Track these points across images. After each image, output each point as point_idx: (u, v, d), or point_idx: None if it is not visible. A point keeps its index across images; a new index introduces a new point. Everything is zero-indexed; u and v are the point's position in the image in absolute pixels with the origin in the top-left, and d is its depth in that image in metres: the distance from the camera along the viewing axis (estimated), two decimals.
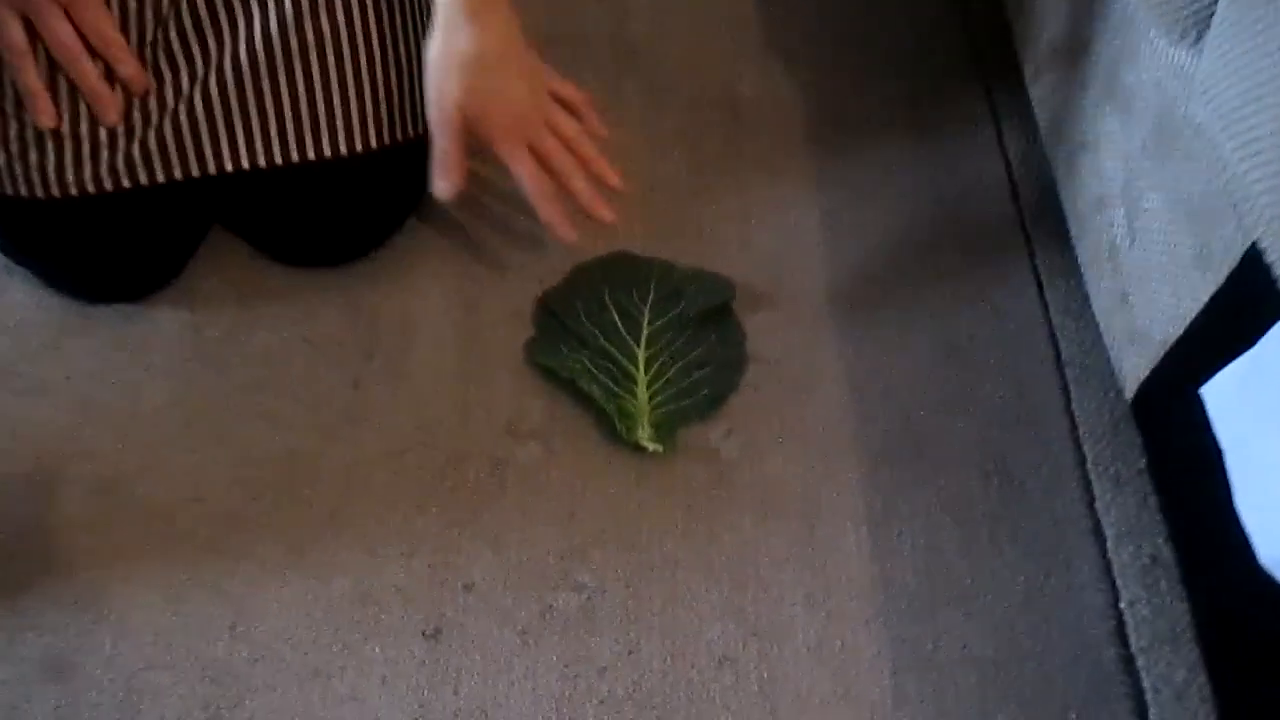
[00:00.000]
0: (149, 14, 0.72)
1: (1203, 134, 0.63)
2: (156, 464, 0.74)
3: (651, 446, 0.77)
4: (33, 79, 0.69)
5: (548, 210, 0.76)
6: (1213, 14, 0.62)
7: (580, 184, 0.77)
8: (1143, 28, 0.73)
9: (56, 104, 0.70)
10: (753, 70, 1.02)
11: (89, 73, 0.69)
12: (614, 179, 0.78)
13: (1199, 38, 0.64)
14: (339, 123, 0.77)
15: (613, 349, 0.82)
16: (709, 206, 0.92)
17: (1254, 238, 0.57)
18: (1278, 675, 0.61)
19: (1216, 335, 0.68)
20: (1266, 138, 0.55)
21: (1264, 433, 0.59)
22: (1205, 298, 0.68)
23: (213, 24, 0.73)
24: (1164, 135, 0.72)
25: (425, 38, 0.74)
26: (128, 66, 0.71)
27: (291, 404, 0.78)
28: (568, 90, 0.80)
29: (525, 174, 0.75)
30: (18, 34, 0.68)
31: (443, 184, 0.75)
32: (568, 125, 0.77)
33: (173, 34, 0.73)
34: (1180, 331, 0.71)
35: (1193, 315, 0.69)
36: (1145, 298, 0.75)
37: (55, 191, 0.73)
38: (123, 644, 0.67)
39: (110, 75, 0.71)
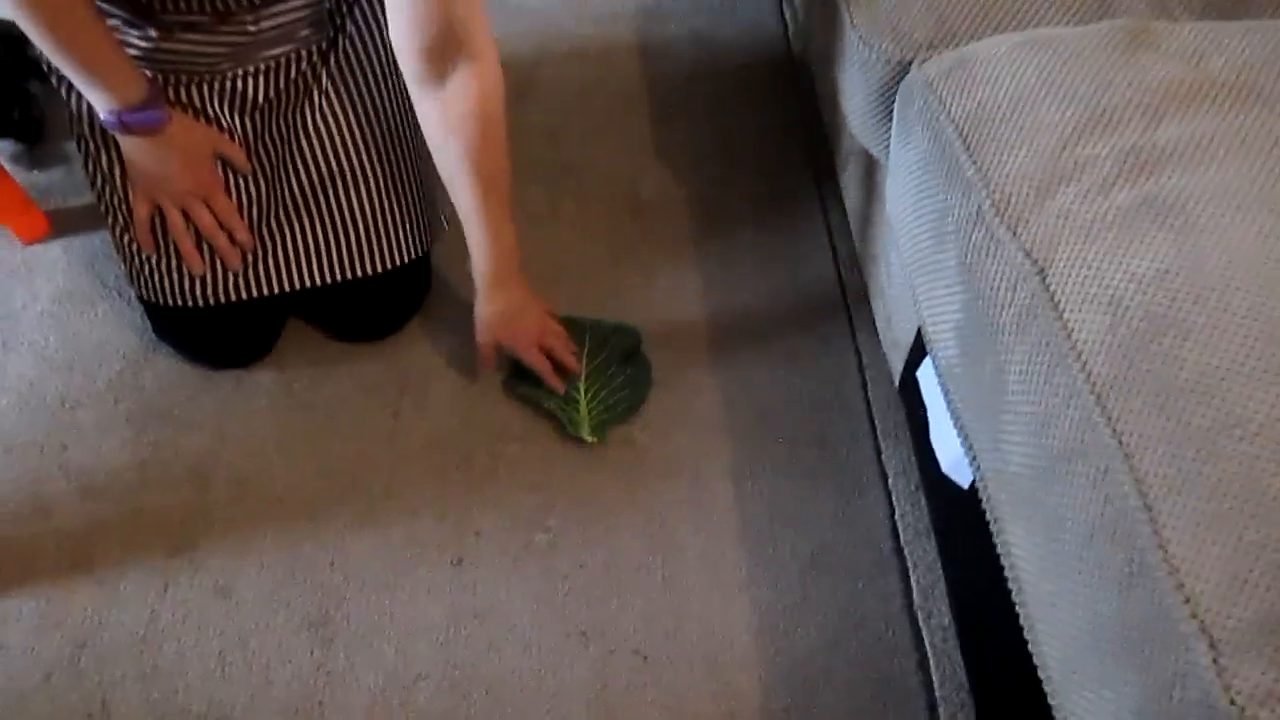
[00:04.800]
0: (250, 196, 1.14)
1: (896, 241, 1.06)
2: (269, 468, 1.15)
3: (591, 439, 1.18)
4: (188, 245, 1.10)
5: (552, 379, 1.17)
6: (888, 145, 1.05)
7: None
8: (866, 159, 1.17)
9: (199, 251, 1.12)
10: (652, 179, 1.46)
11: (222, 240, 1.11)
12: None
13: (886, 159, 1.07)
14: (374, 248, 1.18)
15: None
16: (624, 280, 1.35)
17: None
18: (960, 537, 1.02)
19: (921, 347, 1.10)
20: (924, 251, 0.98)
21: (936, 398, 1.01)
22: (917, 327, 1.10)
23: (297, 205, 1.14)
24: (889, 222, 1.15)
25: (425, 187, 1.17)
26: (243, 234, 1.12)
27: (353, 427, 1.19)
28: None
29: (536, 363, 1.16)
30: (178, 218, 1.09)
31: (482, 369, 1.20)
32: (552, 341, 1.19)
33: (271, 209, 1.14)
34: (911, 341, 1.13)
35: (914, 334, 1.12)
36: (899, 321, 1.18)
37: (193, 301, 1.14)
38: (265, 573, 1.07)
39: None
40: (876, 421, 1.22)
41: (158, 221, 1.12)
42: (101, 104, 1.01)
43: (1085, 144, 0.82)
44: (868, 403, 1.24)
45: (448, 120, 0.97)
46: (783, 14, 1.73)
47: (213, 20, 1.04)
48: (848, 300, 1.34)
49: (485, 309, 1.14)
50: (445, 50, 0.93)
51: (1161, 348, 0.68)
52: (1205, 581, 0.60)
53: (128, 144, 1.06)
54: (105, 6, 1.03)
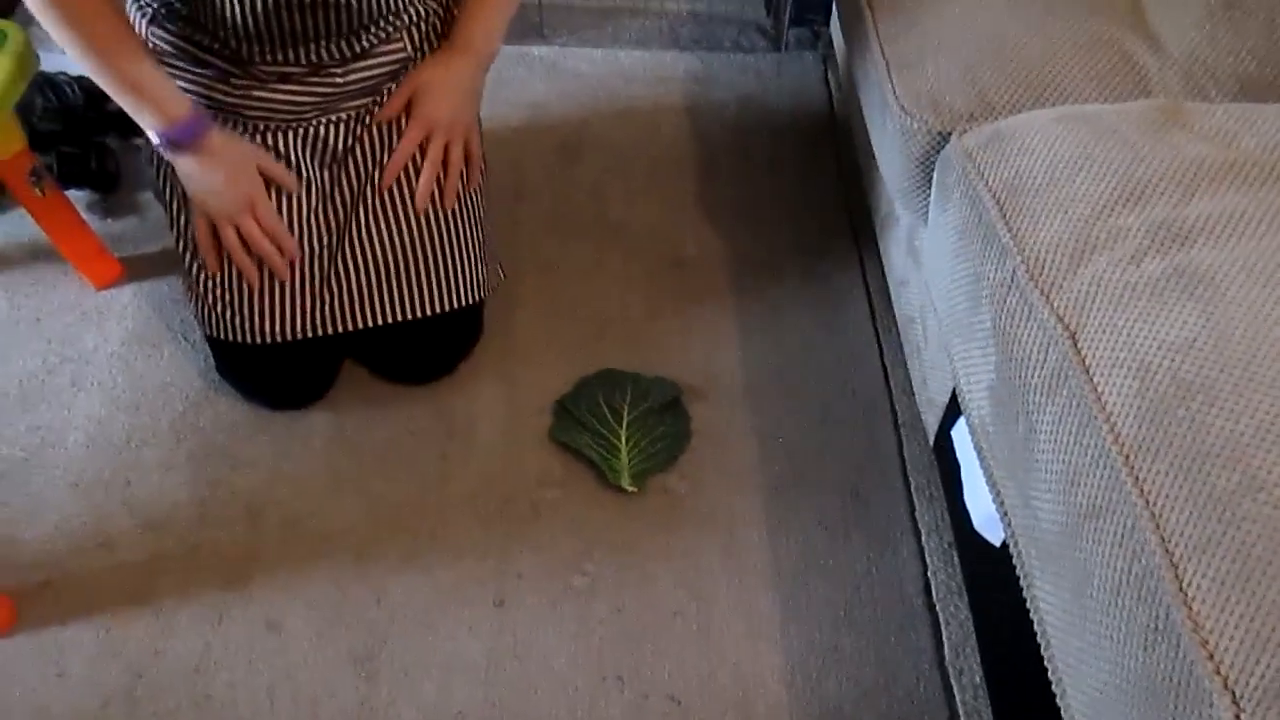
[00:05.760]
0: (322, 243, 1.19)
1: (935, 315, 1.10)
2: (320, 507, 1.19)
3: (630, 488, 1.22)
4: (242, 257, 1.14)
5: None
6: (927, 208, 1.09)
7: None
8: (905, 222, 1.21)
9: (271, 301, 1.17)
10: (694, 237, 1.51)
11: (268, 248, 1.14)
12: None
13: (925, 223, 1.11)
14: (435, 291, 1.22)
15: (605, 431, 1.26)
16: (666, 334, 1.39)
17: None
18: (992, 595, 1.04)
19: (955, 406, 1.12)
20: (961, 310, 1.01)
21: (970, 456, 1.04)
22: (952, 387, 1.13)
23: (365, 249, 1.19)
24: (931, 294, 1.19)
25: (484, 237, 1.22)
26: (288, 243, 1.16)
27: (402, 469, 1.23)
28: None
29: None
30: (231, 235, 1.14)
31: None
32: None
33: (340, 254, 1.20)
34: (946, 400, 1.16)
35: (949, 394, 1.14)
36: (934, 381, 1.21)
37: (259, 339, 1.19)
38: (314, 609, 1.11)
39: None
40: (911, 478, 1.25)
41: (226, 266, 1.18)
42: (149, 124, 1.08)
43: (1118, 215, 0.86)
44: (902, 460, 1.27)
45: None
46: (827, 80, 1.79)
47: (305, 71, 1.11)
48: (884, 359, 1.37)
49: (433, 64, 1.19)
50: None
51: (1188, 413, 0.71)
52: (1229, 640, 0.62)
53: (179, 165, 1.13)
54: (204, 56, 1.10)
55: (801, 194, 1.58)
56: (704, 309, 1.42)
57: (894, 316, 1.37)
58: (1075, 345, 0.78)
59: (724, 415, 1.30)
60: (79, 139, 1.47)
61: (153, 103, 1.06)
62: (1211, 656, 0.62)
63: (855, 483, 1.25)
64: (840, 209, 1.56)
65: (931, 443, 1.22)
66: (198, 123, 1.08)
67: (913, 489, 1.24)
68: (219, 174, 1.12)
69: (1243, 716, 0.59)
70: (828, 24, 1.85)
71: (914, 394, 1.29)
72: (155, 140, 1.09)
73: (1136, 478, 0.70)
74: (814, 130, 1.69)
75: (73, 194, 1.41)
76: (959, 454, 1.10)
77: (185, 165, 1.12)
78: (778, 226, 1.53)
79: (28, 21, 1.10)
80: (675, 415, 1.29)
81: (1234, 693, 0.60)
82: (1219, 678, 0.61)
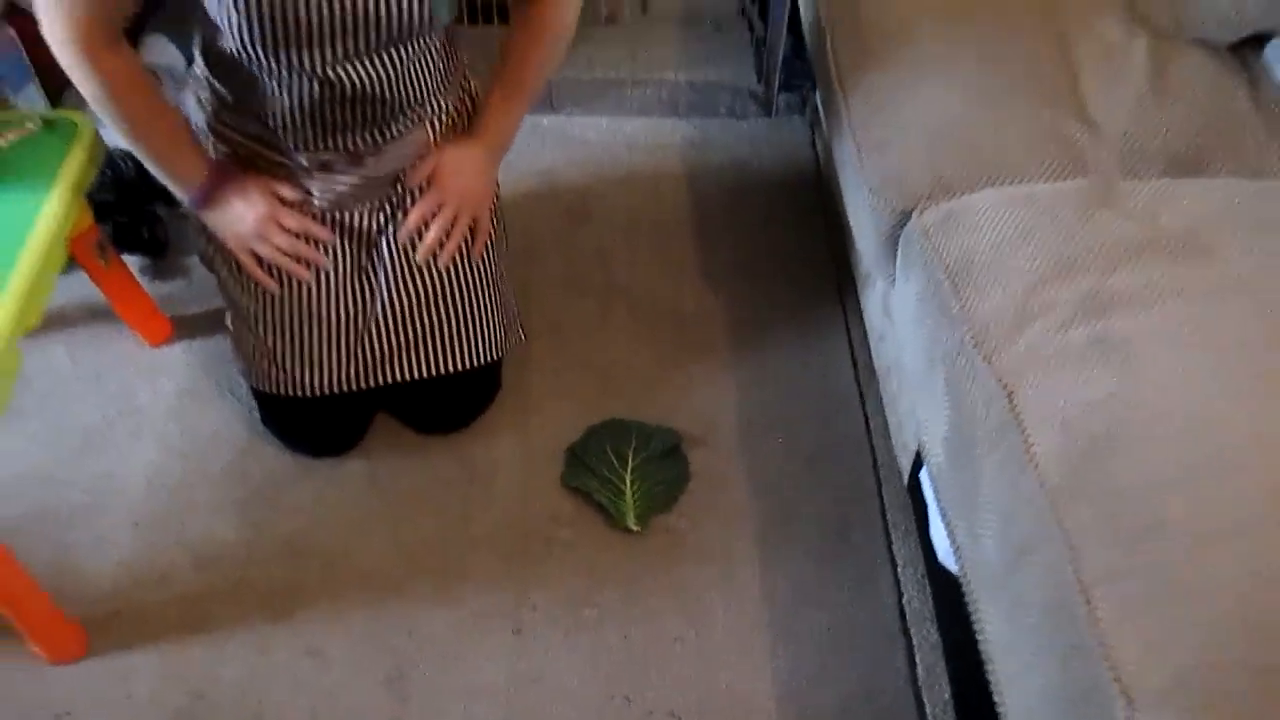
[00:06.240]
0: (357, 306, 1.33)
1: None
2: (355, 546, 1.33)
3: (635, 528, 1.35)
4: (291, 264, 1.26)
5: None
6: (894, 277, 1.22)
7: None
8: (875, 280, 1.34)
9: (309, 358, 1.31)
10: (693, 293, 1.64)
11: (305, 250, 1.27)
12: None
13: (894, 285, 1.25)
14: (458, 352, 1.36)
15: (612, 476, 1.39)
16: (667, 385, 1.52)
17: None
18: (956, 622, 1.16)
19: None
20: (921, 380, 1.14)
21: (933, 497, 1.17)
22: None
23: (396, 313, 1.33)
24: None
25: (505, 292, 1.37)
26: (322, 233, 1.28)
27: (429, 512, 1.37)
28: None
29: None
30: (269, 251, 1.25)
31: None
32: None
33: (373, 318, 1.34)
34: (916, 446, 1.28)
35: (916, 444, 1.27)
36: (906, 428, 1.33)
37: (300, 392, 1.32)
38: (350, 638, 1.24)
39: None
40: (889, 516, 1.37)
41: (260, 312, 1.30)
42: (179, 190, 1.23)
43: (1050, 289, 0.99)
44: (881, 499, 1.40)
45: (530, 34, 1.28)
46: (814, 142, 1.93)
47: (343, 158, 1.25)
48: (865, 407, 1.50)
49: (454, 147, 1.32)
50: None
51: (1101, 462, 0.84)
52: (1127, 653, 0.75)
53: (210, 219, 1.27)
54: (257, 148, 1.25)
55: (792, 250, 1.72)
56: (702, 360, 1.55)
57: (873, 367, 1.51)
58: (1012, 403, 0.92)
59: (720, 459, 1.43)
60: (131, 208, 1.62)
61: (178, 173, 1.22)
62: (1113, 668, 0.75)
63: (839, 520, 1.37)
64: (828, 264, 1.70)
65: (906, 483, 1.35)
66: (216, 180, 1.23)
67: (890, 525, 1.36)
68: (237, 207, 1.25)
69: (1135, 716, 0.72)
70: (815, 90, 1.99)
71: (891, 439, 1.42)
72: (188, 202, 1.24)
73: (1059, 519, 0.83)
74: (803, 189, 1.83)
75: (125, 258, 1.55)
76: (927, 494, 1.23)
77: (213, 218, 1.27)
78: (770, 282, 1.67)
79: (80, 103, 1.23)
80: (675, 460, 1.42)
81: (1129, 696, 0.73)
82: (1118, 684, 0.74)
